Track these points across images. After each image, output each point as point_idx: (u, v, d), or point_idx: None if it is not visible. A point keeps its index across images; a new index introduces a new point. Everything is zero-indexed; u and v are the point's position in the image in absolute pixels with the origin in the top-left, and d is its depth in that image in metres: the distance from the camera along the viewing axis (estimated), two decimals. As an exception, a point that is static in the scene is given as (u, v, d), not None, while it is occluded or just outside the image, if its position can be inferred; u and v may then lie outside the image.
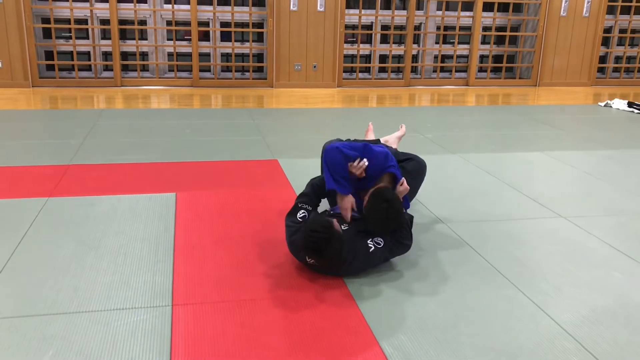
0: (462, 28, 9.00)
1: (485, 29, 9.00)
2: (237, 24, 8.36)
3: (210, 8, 8.22)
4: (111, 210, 3.62)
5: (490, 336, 2.35)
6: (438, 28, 8.95)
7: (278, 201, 3.86)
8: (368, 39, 8.85)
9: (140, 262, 2.95)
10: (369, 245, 2.80)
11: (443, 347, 2.27)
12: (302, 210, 3.01)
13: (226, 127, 5.96)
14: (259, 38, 8.53)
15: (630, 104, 7.43)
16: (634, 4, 9.32)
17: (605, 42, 9.44)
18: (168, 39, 8.36)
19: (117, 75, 8.04)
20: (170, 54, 8.38)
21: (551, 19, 8.92)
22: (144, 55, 8.41)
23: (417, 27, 8.80)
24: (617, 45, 9.62)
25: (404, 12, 8.66)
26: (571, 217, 3.68)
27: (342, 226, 2.87)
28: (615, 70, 9.71)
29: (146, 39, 8.30)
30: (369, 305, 2.58)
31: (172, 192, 3.96)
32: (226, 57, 8.54)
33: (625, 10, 9.41)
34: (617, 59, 9.71)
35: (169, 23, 8.28)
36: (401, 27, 8.77)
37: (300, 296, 2.65)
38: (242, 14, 8.33)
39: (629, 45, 9.56)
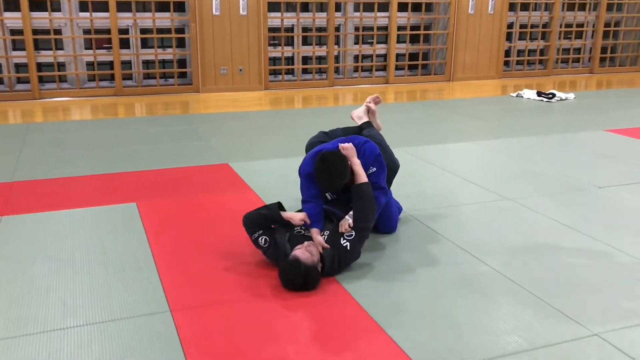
0: (379, 28, 9.35)
1: (401, 28, 9.40)
2: (159, 30, 8.23)
3: (129, 15, 8.04)
4: (74, 224, 3.54)
5: (475, 308, 2.57)
6: (357, 29, 9.24)
7: (242, 204, 3.91)
8: (290, 42, 8.99)
9: (124, 273, 2.93)
10: (343, 243, 2.93)
11: (441, 324, 2.46)
12: (261, 238, 2.98)
13: (165, 134, 5.89)
14: (181, 44, 8.43)
15: (539, 93, 8.05)
16: (531, 0, 10.07)
17: (509, 37, 10.12)
18: (86, 48, 8.08)
19: (35, 87, 7.67)
20: (89, 64, 8.10)
21: (460, 17, 9.46)
22: (61, 66, 8.08)
23: (337, 29, 9.04)
24: (519, 39, 10.35)
25: (324, 14, 8.87)
26: (516, 198, 4.01)
27: (323, 234, 2.99)
28: (519, 62, 10.43)
29: (62, 49, 7.98)
30: (364, 296, 2.72)
31: (131, 202, 3.91)
32: (147, 64, 8.39)
33: (524, 7, 10.14)
34: (520, 52, 10.44)
35: (86, 31, 8.01)
36: (322, 29, 8.98)
37: (297, 292, 2.74)
38: (163, 20, 8.22)
39: (529, 39, 10.30)
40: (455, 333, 2.40)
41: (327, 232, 3.00)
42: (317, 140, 3.64)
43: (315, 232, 2.99)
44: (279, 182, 4.40)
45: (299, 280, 2.72)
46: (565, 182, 4.37)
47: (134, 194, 4.07)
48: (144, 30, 8.24)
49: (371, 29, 9.32)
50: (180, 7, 8.32)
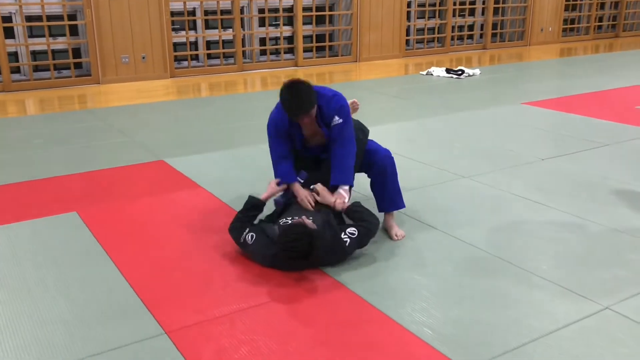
0: (284, 10, 9.12)
1: (306, 9, 9.23)
2: (48, 18, 7.44)
3: (12, 1, 7.20)
4: (12, 242, 3.07)
5: (482, 292, 2.52)
6: (261, 11, 8.95)
7: (196, 202, 3.62)
8: (193, 26, 8.53)
9: (95, 293, 2.58)
10: (344, 238, 2.76)
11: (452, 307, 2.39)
12: (247, 236, 2.81)
13: (79, 131, 5.34)
14: (73, 32, 7.70)
15: (448, 70, 8.26)
16: (427, -20, 10.32)
17: (408, 16, 10.29)
18: (-37, 39, 7.15)
19: None
20: (-32, 56, 7.18)
21: (363, -3, 9.48)
22: None
23: (241, 11, 8.70)
24: (418, 18, 10.56)
25: (228, -4, 8.50)
26: (472, 176, 4.03)
27: (309, 218, 2.81)
28: (419, 41, 10.66)
29: None
30: (364, 290, 2.58)
31: (69, 211, 3.47)
32: (35, 55, 7.59)
33: (421, -13, 10.38)
34: (419, 31, 10.67)
35: (-39, 20, 7.08)
36: (226, 12, 8.60)
37: (293, 295, 2.56)
38: (53, 5, 7.44)
39: (427, 18, 10.54)
40: (468, 323, 2.33)
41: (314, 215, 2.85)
42: None
43: (296, 187, 2.94)
44: (226, 175, 4.12)
45: (305, 240, 2.54)
46: (509, 157, 4.47)
47: (67, 201, 3.62)
48: (30, 18, 7.43)
49: (277, 10, 9.07)
50: (70, -9, 7.59)
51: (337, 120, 2.94)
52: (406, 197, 3.25)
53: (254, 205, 2.96)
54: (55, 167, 4.30)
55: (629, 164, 4.28)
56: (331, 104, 2.94)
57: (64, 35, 7.57)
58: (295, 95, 2.81)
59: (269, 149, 3.05)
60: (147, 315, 2.39)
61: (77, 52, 7.78)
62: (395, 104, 6.62)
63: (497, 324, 2.32)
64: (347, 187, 2.98)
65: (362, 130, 3.18)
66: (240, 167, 4.33)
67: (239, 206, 3.09)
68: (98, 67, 7.63)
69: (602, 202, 3.57)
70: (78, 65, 7.83)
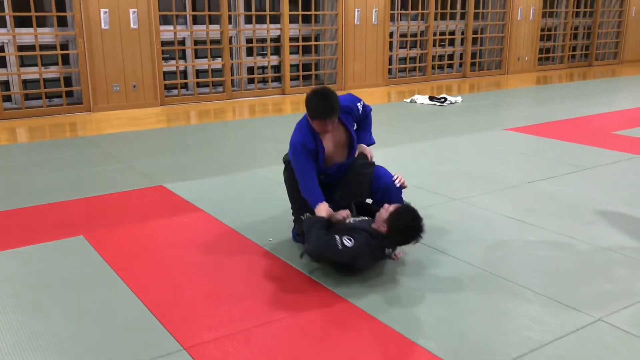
0: (272, 40, 9.35)
1: (292, 39, 9.47)
2: (41, 47, 7.55)
3: (4, 30, 7.31)
4: (24, 265, 3.15)
5: (477, 307, 2.67)
6: (249, 41, 9.17)
7: (199, 225, 3.73)
8: (182, 55, 8.70)
9: (111, 312, 2.67)
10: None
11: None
12: (344, 239, 2.86)
13: (76, 158, 5.43)
14: (65, 61, 7.81)
15: (431, 98, 8.52)
16: (409, 11, 10.65)
17: (391, 46, 10.60)
18: (-46, 68, 7.23)
19: None
20: (-41, 85, 7.25)
21: (347, 28, 9.74)
22: None
23: (230, 41, 8.90)
24: (400, 48, 10.87)
25: (217, 27, 8.69)
26: (463, 198, 4.21)
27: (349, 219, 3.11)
28: (401, 70, 10.95)
29: None
30: (369, 305, 2.71)
31: (76, 235, 3.56)
32: (26, 84, 7.67)
33: (404, 18, 10.69)
34: (401, 60, 10.97)
35: (-46, 49, 7.16)
36: (215, 42, 8.79)
37: (306, 313, 2.67)
38: (46, 35, 7.56)
39: (409, 47, 10.87)
40: (471, 336, 2.47)
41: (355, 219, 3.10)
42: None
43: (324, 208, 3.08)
44: (226, 198, 4.25)
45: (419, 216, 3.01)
46: (496, 180, 4.66)
47: (73, 226, 3.70)
48: (22, 48, 7.54)
49: (264, 40, 9.29)
50: (63, 22, 7.72)
51: (359, 106, 3.33)
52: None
53: (325, 224, 3.02)
54: (56, 193, 4.38)
55: (608, 186, 4.50)
56: (348, 99, 3.30)
57: (56, 64, 7.68)
58: (324, 98, 3.05)
59: (296, 171, 3.15)
60: (164, 333, 2.49)
61: (68, 81, 7.89)
62: (382, 130, 6.80)
63: (497, 336, 2.46)
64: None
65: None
66: (237, 191, 4.46)
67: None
68: (89, 95, 7.74)
69: (587, 221, 3.76)
70: (69, 94, 7.93)
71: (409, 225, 2.91)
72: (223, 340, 2.43)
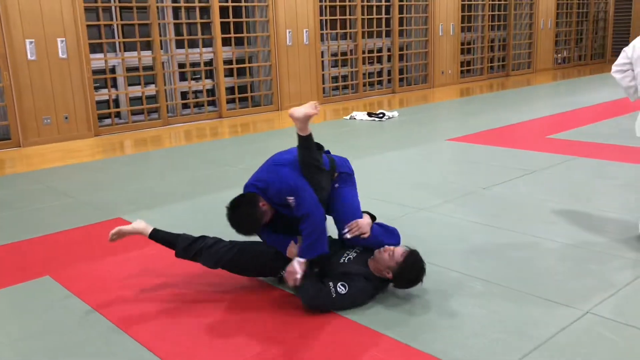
0: (205, 63, 9.25)
1: (226, 62, 9.42)
2: (-40, 81, 7.12)
3: None
4: (-8, 313, 2.93)
5: (472, 311, 2.74)
6: (183, 65, 9.03)
7: (167, 255, 3.58)
8: (114, 83, 8.45)
9: (107, 354, 2.52)
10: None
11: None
12: (338, 286, 2.83)
13: (19, 195, 5.13)
14: (-12, 94, 7.41)
15: (370, 114, 8.69)
16: (338, 31, 10.86)
17: (322, 65, 10.74)
18: None
19: None
20: None
21: (280, 49, 9.80)
22: None
23: (162, 66, 8.73)
24: (332, 67, 11.05)
25: (149, 53, 8.51)
26: (428, 208, 4.31)
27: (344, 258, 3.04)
28: (334, 88, 11.11)
29: None
30: (370, 321, 2.71)
31: (41, 276, 3.35)
32: (-54, 121, 7.21)
33: (333, 37, 10.90)
34: (334, 79, 11.14)
35: None
36: (147, 68, 8.59)
37: (309, 341, 2.62)
38: (-35, 68, 7.14)
39: (340, 66, 11.06)
40: (477, 335, 2.53)
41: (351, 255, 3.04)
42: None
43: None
44: (185, 225, 4.10)
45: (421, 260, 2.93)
46: (454, 188, 4.80)
47: (37, 266, 3.49)
48: (-60, 83, 7.07)
49: (197, 64, 9.19)
50: (-16, 54, 7.32)
51: (291, 200, 2.97)
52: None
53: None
54: (9, 233, 4.12)
55: (555, 186, 4.74)
56: (281, 191, 2.98)
57: (-21, 99, 7.26)
58: (237, 222, 2.96)
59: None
60: (166, 368, 2.39)
61: (-8, 116, 7.47)
62: (329, 148, 6.84)
63: (498, 337, 2.53)
64: (303, 260, 2.92)
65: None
66: (195, 217, 4.37)
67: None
68: (18, 130, 7.35)
69: (549, 221, 3.94)
70: (-6, 129, 7.50)
71: (419, 276, 2.87)
72: (230, 370, 2.36)
